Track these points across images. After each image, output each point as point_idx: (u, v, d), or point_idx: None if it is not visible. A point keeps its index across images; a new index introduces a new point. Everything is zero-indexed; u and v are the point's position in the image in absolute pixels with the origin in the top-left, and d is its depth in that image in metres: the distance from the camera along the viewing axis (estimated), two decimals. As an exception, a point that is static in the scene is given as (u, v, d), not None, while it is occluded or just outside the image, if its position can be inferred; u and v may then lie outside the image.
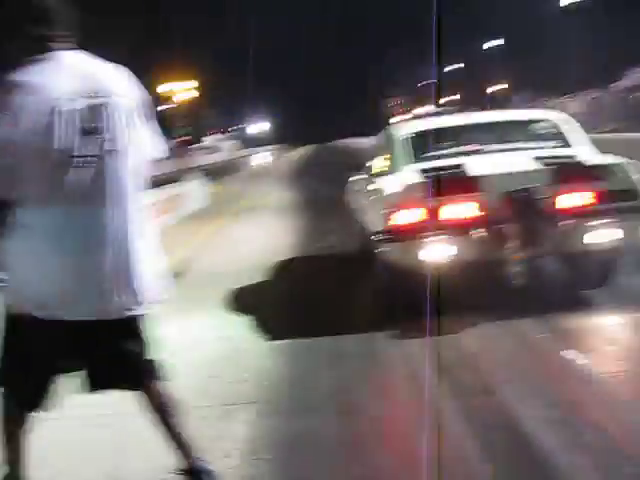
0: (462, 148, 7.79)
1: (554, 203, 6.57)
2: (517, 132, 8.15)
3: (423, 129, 8.39)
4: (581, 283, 7.31)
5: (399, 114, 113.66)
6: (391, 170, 7.86)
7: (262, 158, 63.18)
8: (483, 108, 40.46)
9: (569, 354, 5.61)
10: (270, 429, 4.76)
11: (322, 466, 4.20)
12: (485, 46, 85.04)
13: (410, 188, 6.76)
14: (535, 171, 6.75)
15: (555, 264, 7.53)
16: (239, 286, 9.16)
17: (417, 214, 6.62)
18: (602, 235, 6.61)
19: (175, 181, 20.75)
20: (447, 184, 6.68)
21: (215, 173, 34.13)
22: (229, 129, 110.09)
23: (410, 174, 7.12)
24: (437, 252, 6.55)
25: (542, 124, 8.22)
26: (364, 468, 4.09)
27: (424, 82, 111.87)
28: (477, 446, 4.21)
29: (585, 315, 6.57)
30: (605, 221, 6.58)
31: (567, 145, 7.69)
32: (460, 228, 6.55)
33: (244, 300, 8.46)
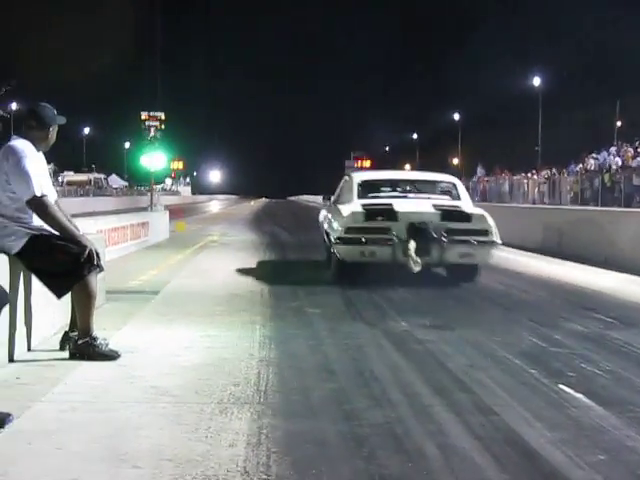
0: (392, 194, 12.71)
1: (441, 232, 10.93)
2: (428, 186, 13.18)
3: (370, 178, 13.67)
4: (457, 279, 11.89)
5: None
6: (347, 201, 12.38)
7: (219, 204, 64.03)
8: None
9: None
10: (270, 426, 4.67)
11: (329, 459, 4.13)
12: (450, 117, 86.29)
13: (355, 214, 11.38)
14: (432, 213, 11.27)
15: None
16: (214, 303, 9.61)
17: (359, 229, 11.14)
18: (468, 253, 11.09)
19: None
20: (380, 213, 11.28)
21: (175, 213, 34.46)
22: (185, 176, 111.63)
23: (358, 205, 11.67)
24: (367, 252, 11.13)
25: (444, 184, 13.21)
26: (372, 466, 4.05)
27: (387, 146, 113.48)
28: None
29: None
30: (470, 245, 11.07)
31: (458, 198, 12.47)
32: (383, 240, 11.05)
33: (221, 315, 8.74)
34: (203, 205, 71.40)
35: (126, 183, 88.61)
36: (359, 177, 13.14)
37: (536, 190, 35.92)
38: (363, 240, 11.04)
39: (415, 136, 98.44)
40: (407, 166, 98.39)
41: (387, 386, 5.72)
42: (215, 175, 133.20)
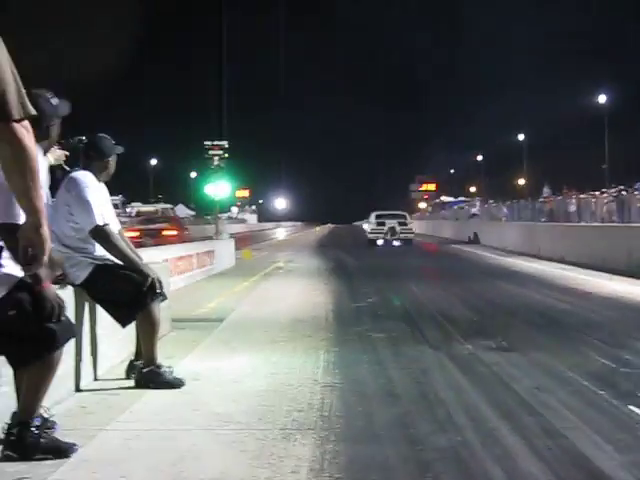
0: (384, 218, 41.28)
1: (398, 230, 40.02)
2: (396, 215, 41.99)
3: (377, 213, 41.63)
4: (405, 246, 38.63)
5: (425, 200, 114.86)
6: (370, 220, 42.74)
7: (284, 231, 64.43)
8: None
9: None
10: (333, 452, 4.64)
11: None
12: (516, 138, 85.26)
13: (372, 224, 41.72)
14: (396, 224, 40.21)
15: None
16: (278, 329, 9.64)
17: (375, 229, 40.88)
18: (407, 237, 39.97)
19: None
20: (380, 224, 40.72)
21: (241, 240, 34.77)
22: (251, 204, 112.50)
23: (374, 221, 41.42)
24: (375, 236, 40.51)
25: (402, 214, 42.53)
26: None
27: (452, 169, 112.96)
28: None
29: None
30: (408, 233, 40.26)
31: (405, 219, 41.52)
32: (378, 232, 40.30)
33: (285, 342, 8.74)
34: (269, 232, 71.88)
35: (193, 212, 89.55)
36: (373, 213, 41.77)
37: (604, 209, 35.39)
38: (374, 230, 40.31)
39: (480, 158, 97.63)
40: (472, 188, 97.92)
41: (452, 409, 5.64)
42: (280, 203, 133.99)
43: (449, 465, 4.39)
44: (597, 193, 37.72)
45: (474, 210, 56.87)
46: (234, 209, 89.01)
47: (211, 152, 27.61)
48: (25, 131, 3.41)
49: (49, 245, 3.53)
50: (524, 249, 29.00)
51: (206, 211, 78.02)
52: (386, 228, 39.32)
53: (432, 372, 7.00)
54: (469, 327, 9.74)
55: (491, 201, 56.04)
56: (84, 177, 6.39)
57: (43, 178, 6.48)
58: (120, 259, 6.40)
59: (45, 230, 3.49)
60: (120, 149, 6.72)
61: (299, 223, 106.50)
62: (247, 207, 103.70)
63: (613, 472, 4.25)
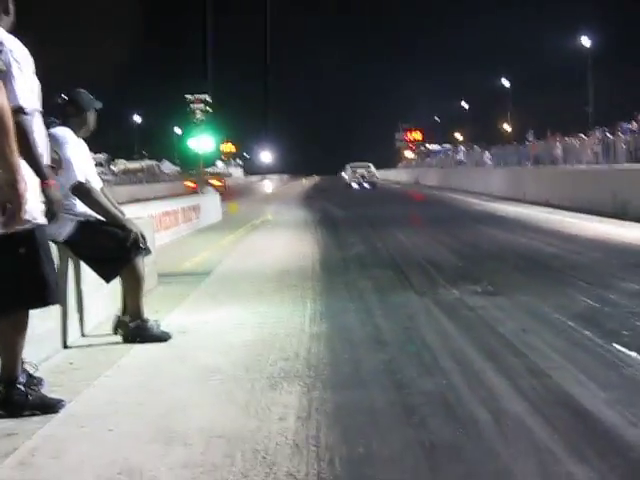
0: (357, 167, 57.66)
1: (365, 175, 56.00)
2: (364, 164, 58.16)
3: (351, 164, 58.50)
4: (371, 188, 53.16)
5: (411, 149, 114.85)
6: (346, 169, 60.25)
7: (271, 184, 64.50)
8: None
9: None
10: (320, 399, 4.66)
11: (379, 429, 4.11)
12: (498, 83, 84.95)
13: (347, 170, 58.58)
14: (364, 170, 56.62)
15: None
16: (265, 281, 9.64)
17: (350, 176, 56.44)
18: (372, 180, 55.44)
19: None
20: (354, 172, 56.60)
21: (228, 194, 34.70)
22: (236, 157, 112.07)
23: (349, 170, 57.84)
24: (351, 181, 55.71)
25: (368, 164, 57.80)
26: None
27: (436, 116, 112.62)
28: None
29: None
30: (372, 177, 56.10)
31: (369, 168, 57.30)
32: (352, 178, 55.61)
33: (272, 292, 8.74)
34: (255, 186, 71.65)
35: (178, 168, 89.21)
36: (348, 165, 58.63)
37: (589, 152, 35.38)
38: (349, 176, 56.06)
39: (465, 104, 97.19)
40: (458, 135, 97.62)
41: (438, 354, 5.68)
42: (266, 156, 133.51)
43: (435, 408, 4.42)
44: (582, 136, 37.72)
45: (459, 157, 56.98)
46: (219, 163, 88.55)
47: (193, 105, 27.49)
48: None
49: (25, 200, 3.51)
50: (509, 194, 29.04)
51: (191, 167, 77.82)
52: (358, 175, 55.52)
53: (418, 318, 7.03)
54: (455, 272, 9.78)
55: (476, 147, 56.02)
56: (63, 133, 6.34)
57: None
58: (102, 215, 6.37)
59: (21, 186, 3.47)
60: (99, 104, 6.64)
61: (285, 175, 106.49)
62: (232, 160, 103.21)
63: (596, 409, 4.29)
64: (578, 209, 19.38)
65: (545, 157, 38.70)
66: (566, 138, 38.73)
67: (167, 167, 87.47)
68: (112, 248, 6.31)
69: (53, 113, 6.39)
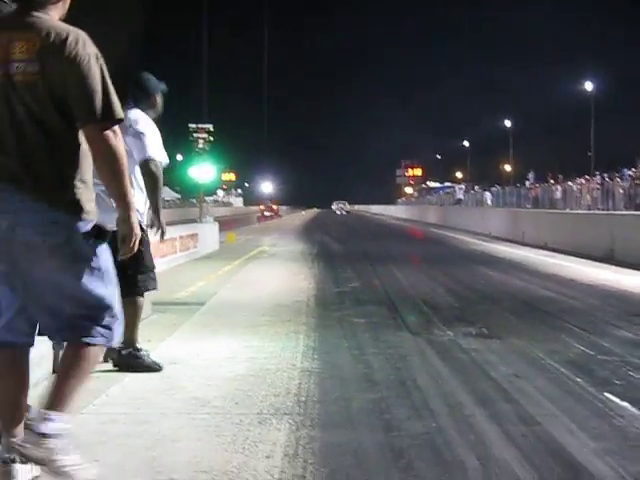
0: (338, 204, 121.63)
1: (344, 208, 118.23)
2: (344, 202, 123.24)
3: (336, 201, 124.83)
4: (346, 214, 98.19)
5: (411, 185, 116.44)
6: (334, 204, 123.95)
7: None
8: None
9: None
10: (308, 437, 4.64)
11: (365, 471, 4.09)
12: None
13: (334, 205, 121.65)
14: (342, 206, 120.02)
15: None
16: (259, 314, 9.62)
17: (336, 208, 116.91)
18: (347, 212, 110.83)
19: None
20: (337, 205, 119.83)
21: (226, 224, 34.74)
22: (237, 187, 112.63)
23: (335, 204, 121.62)
24: (335, 210, 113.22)
25: (345, 201, 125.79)
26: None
27: (438, 154, 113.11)
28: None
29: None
30: (347, 209, 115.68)
31: (348, 205, 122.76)
32: (336, 209, 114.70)
33: (265, 326, 8.71)
34: (255, 216, 71.88)
35: (178, 195, 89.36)
36: (335, 201, 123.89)
37: (589, 196, 35.48)
38: (335, 207, 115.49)
39: (466, 143, 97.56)
40: (459, 174, 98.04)
41: (429, 396, 5.65)
42: (267, 186, 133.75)
43: (423, 451, 4.39)
44: (582, 180, 37.84)
45: (459, 195, 57.01)
46: (220, 192, 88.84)
47: (196, 135, 27.69)
48: (112, 134, 3.62)
49: (138, 233, 3.80)
50: (508, 235, 29.06)
51: (192, 194, 78.01)
52: (339, 206, 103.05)
53: (411, 358, 7.00)
54: (450, 313, 9.76)
55: (476, 186, 56.16)
56: (136, 113, 6.38)
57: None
58: (151, 201, 6.41)
59: (133, 221, 3.75)
60: (164, 87, 6.71)
61: (285, 207, 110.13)
62: (232, 190, 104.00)
63: (585, 459, 4.26)
64: (576, 253, 19.39)
65: (545, 200, 38.79)
66: (569, 182, 38.82)
67: (167, 194, 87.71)
68: (127, 275, 6.24)
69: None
